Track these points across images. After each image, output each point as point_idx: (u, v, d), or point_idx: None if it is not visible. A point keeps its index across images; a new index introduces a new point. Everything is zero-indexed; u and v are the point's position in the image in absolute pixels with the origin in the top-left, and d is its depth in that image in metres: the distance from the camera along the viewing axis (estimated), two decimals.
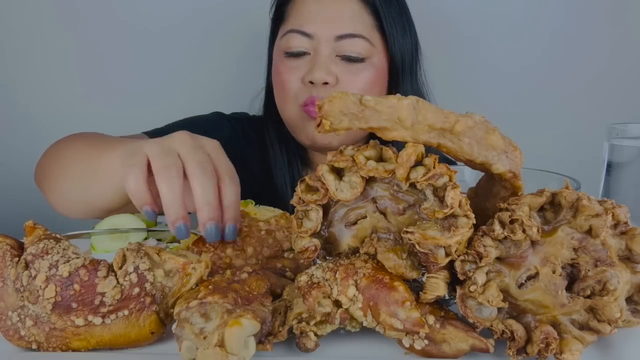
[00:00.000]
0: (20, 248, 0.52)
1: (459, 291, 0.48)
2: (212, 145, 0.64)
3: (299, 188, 0.50)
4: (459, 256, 0.47)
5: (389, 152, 0.48)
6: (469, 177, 0.67)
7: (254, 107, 1.22)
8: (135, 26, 1.48)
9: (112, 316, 0.49)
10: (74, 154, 0.88)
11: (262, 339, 0.47)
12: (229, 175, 0.63)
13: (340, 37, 1.00)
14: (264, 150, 1.17)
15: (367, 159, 0.48)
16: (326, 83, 0.99)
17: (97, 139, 0.89)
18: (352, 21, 1.01)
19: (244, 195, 0.82)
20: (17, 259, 0.50)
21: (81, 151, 0.87)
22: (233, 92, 1.39)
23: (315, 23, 1.00)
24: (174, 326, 0.46)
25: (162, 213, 0.64)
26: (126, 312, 0.49)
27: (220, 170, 0.62)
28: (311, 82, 1.00)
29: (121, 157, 0.66)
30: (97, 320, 0.49)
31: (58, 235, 0.53)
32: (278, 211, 0.83)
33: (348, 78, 1.00)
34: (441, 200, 0.46)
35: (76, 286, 0.48)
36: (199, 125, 1.10)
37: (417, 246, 0.46)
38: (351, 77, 1.01)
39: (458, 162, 0.53)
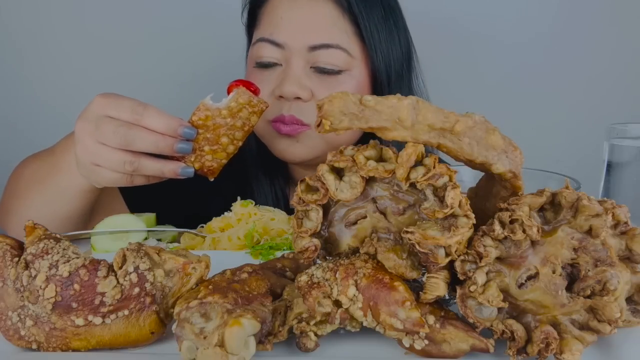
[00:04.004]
0: (20, 248, 0.52)
1: (459, 291, 0.48)
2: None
3: (299, 188, 0.50)
4: (459, 256, 0.47)
5: (389, 152, 0.48)
6: (469, 177, 0.67)
7: None
8: (135, 28, 1.48)
9: (112, 316, 0.49)
10: (26, 179, 0.88)
11: (262, 338, 0.47)
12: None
13: (314, 48, 0.89)
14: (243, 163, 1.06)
15: (367, 159, 0.48)
16: (299, 98, 0.90)
17: (37, 156, 0.90)
18: (327, 29, 0.90)
19: (218, 213, 0.84)
20: (17, 259, 0.50)
21: (32, 173, 0.87)
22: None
23: (286, 32, 0.90)
24: (174, 326, 0.46)
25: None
26: (126, 312, 0.49)
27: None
28: (281, 97, 0.91)
29: (72, 152, 0.74)
30: (97, 320, 0.49)
31: (58, 235, 0.53)
32: (278, 211, 0.84)
33: (324, 92, 0.90)
34: (441, 200, 0.46)
35: (76, 286, 0.48)
36: None
37: (417, 246, 0.46)
38: (327, 92, 0.87)
39: (457, 162, 0.53)
